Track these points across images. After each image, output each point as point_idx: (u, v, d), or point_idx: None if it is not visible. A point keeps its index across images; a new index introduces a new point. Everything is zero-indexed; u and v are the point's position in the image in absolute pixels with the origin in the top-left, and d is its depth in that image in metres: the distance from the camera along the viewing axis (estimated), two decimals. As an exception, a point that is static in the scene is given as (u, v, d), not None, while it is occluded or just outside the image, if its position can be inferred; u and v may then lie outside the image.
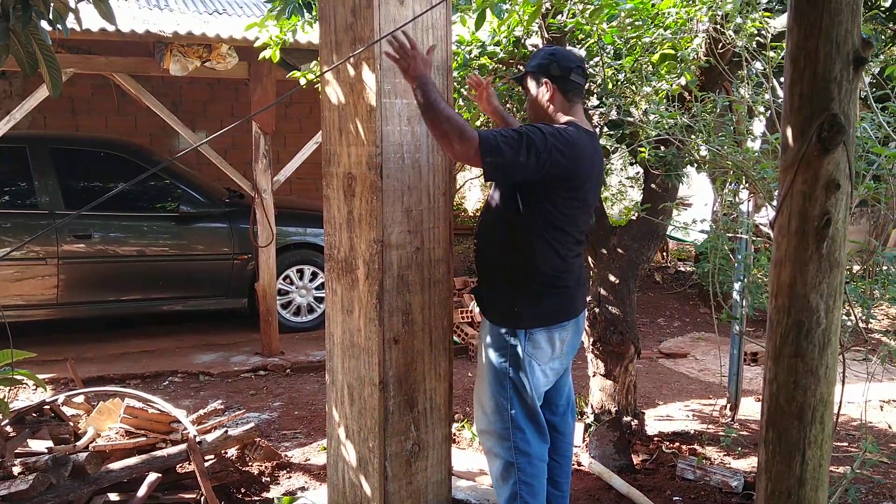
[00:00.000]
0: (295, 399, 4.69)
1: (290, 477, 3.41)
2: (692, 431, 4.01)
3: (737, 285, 3.54)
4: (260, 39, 4.13)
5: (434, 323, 2.68)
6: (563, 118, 2.41)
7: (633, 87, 3.26)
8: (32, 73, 2.41)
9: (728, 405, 4.26)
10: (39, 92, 4.89)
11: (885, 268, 2.61)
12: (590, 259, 3.64)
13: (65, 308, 5.46)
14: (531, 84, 2.48)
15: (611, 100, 3.32)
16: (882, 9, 4.01)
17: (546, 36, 3.44)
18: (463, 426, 3.96)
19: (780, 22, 2.98)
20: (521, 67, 3.35)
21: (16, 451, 2.84)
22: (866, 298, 2.45)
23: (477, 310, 5.46)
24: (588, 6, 3.19)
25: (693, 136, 3.02)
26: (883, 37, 4.08)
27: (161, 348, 5.63)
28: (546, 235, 2.36)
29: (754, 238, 3.42)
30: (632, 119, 3.16)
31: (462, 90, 3.50)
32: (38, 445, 2.94)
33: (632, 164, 5.29)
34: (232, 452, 3.35)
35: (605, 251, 3.58)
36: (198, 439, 3.00)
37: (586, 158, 2.35)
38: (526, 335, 2.40)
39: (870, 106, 2.50)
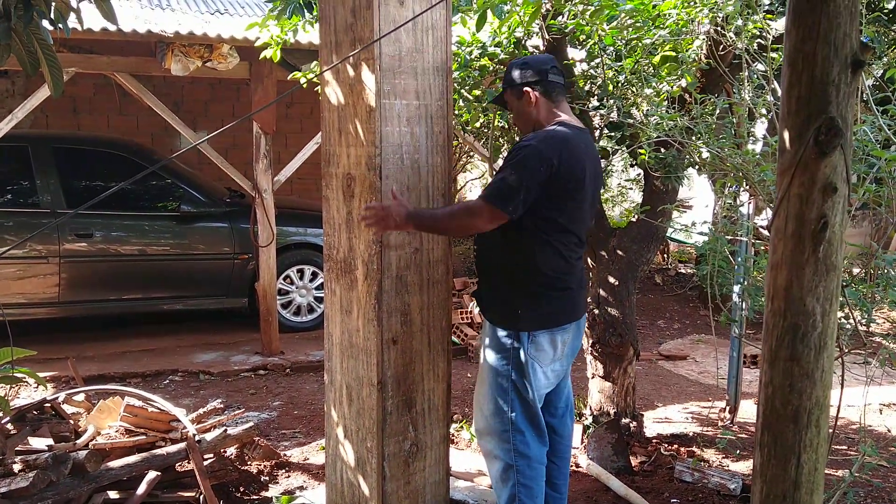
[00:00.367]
0: (294, 399, 4.69)
1: (288, 476, 3.42)
2: (691, 434, 4.00)
3: (736, 288, 3.53)
4: (261, 39, 4.13)
5: (433, 324, 2.68)
6: (552, 121, 2.44)
7: (634, 89, 3.27)
8: (34, 72, 2.41)
9: (727, 408, 4.25)
10: (41, 91, 4.89)
11: (885, 271, 2.60)
12: (589, 261, 3.64)
13: (66, 307, 5.48)
14: (512, 99, 2.51)
15: (611, 101, 3.32)
16: (885, 11, 4.00)
17: (546, 37, 3.44)
18: (461, 427, 3.95)
19: (781, 24, 2.98)
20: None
21: (16, 448, 2.85)
22: (866, 302, 2.44)
23: (477, 311, 5.47)
24: (588, 7, 3.19)
25: (693, 138, 3.02)
26: (886, 39, 4.07)
27: (161, 347, 5.64)
28: (546, 235, 2.37)
29: (754, 240, 3.41)
30: (632, 121, 3.16)
31: (462, 91, 3.50)
32: (39, 443, 2.95)
33: (632, 165, 5.28)
34: (231, 451, 3.35)
35: (604, 253, 3.57)
36: (197, 438, 3.01)
37: (580, 154, 2.37)
38: (529, 337, 2.40)
39: (871, 109, 2.50)
